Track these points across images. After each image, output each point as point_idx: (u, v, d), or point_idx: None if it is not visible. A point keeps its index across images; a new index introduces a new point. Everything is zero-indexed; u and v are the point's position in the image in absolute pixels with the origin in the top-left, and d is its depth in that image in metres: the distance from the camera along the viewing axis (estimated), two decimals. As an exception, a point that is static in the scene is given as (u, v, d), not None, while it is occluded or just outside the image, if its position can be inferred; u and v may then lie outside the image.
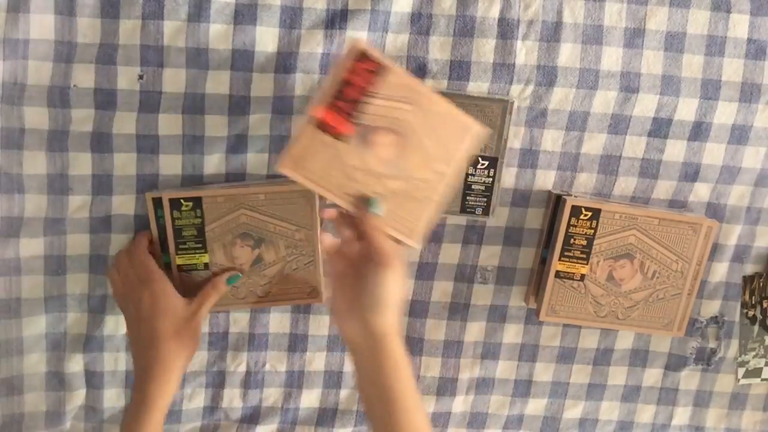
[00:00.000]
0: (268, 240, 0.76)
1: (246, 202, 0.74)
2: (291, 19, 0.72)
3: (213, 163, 0.75)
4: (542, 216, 0.80)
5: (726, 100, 0.77)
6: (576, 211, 0.76)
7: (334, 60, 0.66)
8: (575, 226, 0.76)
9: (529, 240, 0.81)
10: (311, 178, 0.65)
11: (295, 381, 0.83)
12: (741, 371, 0.87)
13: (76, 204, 0.74)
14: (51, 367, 0.79)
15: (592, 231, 0.76)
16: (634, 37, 0.75)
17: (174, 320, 0.71)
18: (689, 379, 0.87)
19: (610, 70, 0.75)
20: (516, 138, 0.77)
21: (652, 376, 0.87)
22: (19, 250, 0.74)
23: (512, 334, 0.84)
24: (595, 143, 0.78)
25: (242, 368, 0.82)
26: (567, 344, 0.85)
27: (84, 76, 0.71)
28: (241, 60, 0.72)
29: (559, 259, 0.77)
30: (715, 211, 0.81)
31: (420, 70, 0.74)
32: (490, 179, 0.77)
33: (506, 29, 0.74)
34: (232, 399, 0.83)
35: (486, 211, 0.78)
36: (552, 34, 0.74)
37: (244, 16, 0.71)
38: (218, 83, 0.73)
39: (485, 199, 0.78)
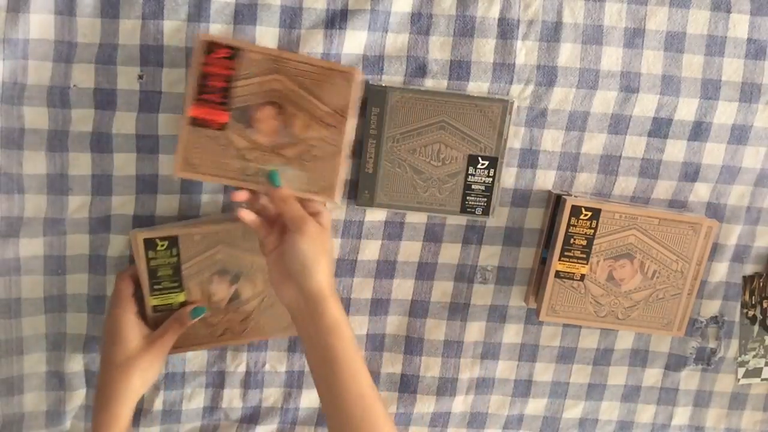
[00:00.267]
0: (245, 275, 0.75)
1: (223, 238, 0.73)
2: (291, 19, 0.72)
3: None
4: (542, 216, 0.80)
5: (726, 100, 0.77)
6: (576, 211, 0.76)
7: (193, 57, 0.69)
8: (575, 226, 0.76)
9: (529, 240, 0.81)
10: (208, 173, 0.69)
11: (295, 381, 0.83)
12: (741, 371, 0.87)
13: (76, 204, 0.74)
14: (51, 367, 0.79)
15: (592, 231, 0.76)
16: (634, 37, 0.75)
17: (125, 349, 0.69)
18: (689, 379, 0.87)
19: (610, 70, 0.75)
20: (516, 138, 0.77)
21: (652, 376, 0.87)
22: (19, 250, 0.74)
23: (512, 334, 0.84)
24: (595, 143, 0.78)
25: (242, 368, 0.82)
26: (567, 344, 0.85)
27: (84, 76, 0.71)
28: (241, 60, 0.72)
29: (559, 259, 0.77)
30: (715, 211, 0.81)
31: (420, 70, 0.74)
32: (490, 179, 0.77)
33: (506, 29, 0.74)
34: (232, 399, 0.83)
35: (486, 211, 0.78)
36: (552, 34, 0.74)
37: (244, 16, 0.71)
38: (218, 83, 0.73)
39: (485, 199, 0.78)
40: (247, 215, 0.69)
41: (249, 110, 0.69)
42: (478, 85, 0.75)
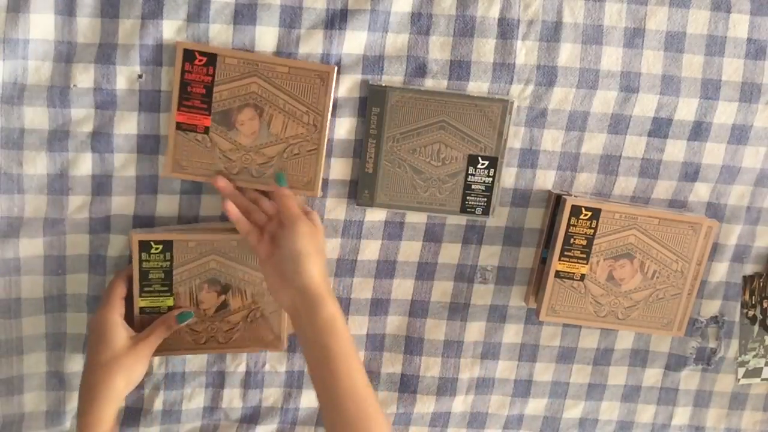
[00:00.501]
0: (235, 287, 0.76)
1: (218, 248, 0.74)
2: (291, 18, 0.72)
3: (213, 163, 0.76)
4: (542, 216, 0.80)
5: (726, 100, 0.77)
6: (576, 210, 0.76)
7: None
8: (575, 226, 0.76)
9: (529, 240, 0.81)
10: (195, 173, 0.74)
11: (294, 381, 0.83)
12: (741, 371, 0.87)
13: (76, 204, 0.74)
14: (51, 367, 0.79)
15: (592, 231, 0.76)
16: (634, 37, 0.75)
17: (110, 349, 0.69)
18: (689, 379, 0.87)
19: (610, 70, 0.75)
20: (516, 138, 0.77)
21: (652, 376, 0.87)
22: (19, 250, 0.74)
23: (512, 334, 0.84)
24: (595, 143, 0.78)
25: (242, 368, 0.82)
26: (567, 344, 0.85)
27: (84, 76, 0.71)
28: (241, 60, 0.72)
29: (559, 259, 0.77)
30: (715, 211, 0.81)
31: (420, 70, 0.74)
32: (490, 179, 0.77)
33: (506, 29, 0.74)
34: (232, 399, 0.83)
35: (486, 211, 0.78)
36: (552, 34, 0.74)
37: (244, 15, 0.71)
38: (218, 83, 0.73)
39: (485, 199, 0.78)
40: (233, 210, 0.71)
41: (230, 113, 0.73)
42: (478, 85, 0.75)
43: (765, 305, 0.85)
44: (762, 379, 0.88)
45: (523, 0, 0.73)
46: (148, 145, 0.74)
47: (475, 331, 0.83)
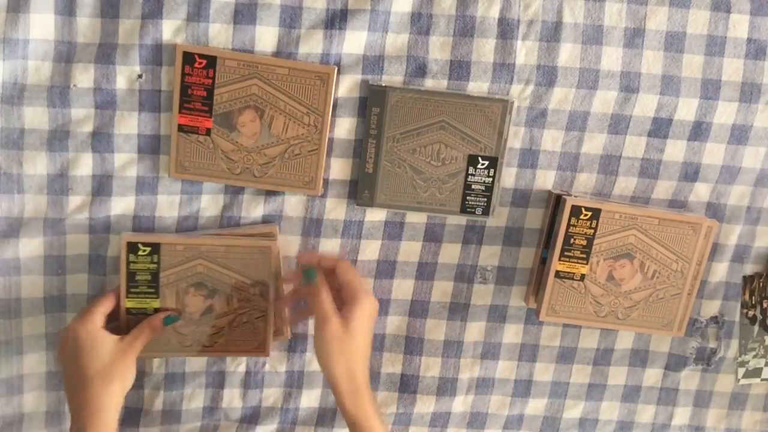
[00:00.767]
0: (221, 291, 0.76)
1: (205, 252, 0.74)
2: (291, 18, 0.72)
3: (213, 163, 0.76)
4: (542, 216, 0.80)
5: (726, 100, 0.77)
6: (576, 211, 0.76)
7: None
8: (575, 226, 0.76)
9: (529, 240, 0.81)
10: (199, 174, 0.74)
11: (295, 381, 0.83)
12: (741, 371, 0.87)
13: (76, 204, 0.74)
14: (51, 367, 0.79)
15: (592, 231, 0.76)
16: (634, 37, 0.75)
17: (100, 358, 0.68)
18: (689, 379, 0.87)
19: (610, 70, 0.75)
20: (516, 138, 0.77)
21: (652, 376, 0.87)
22: (19, 250, 0.74)
23: (512, 334, 0.84)
24: (595, 143, 0.78)
25: (242, 368, 0.82)
26: (567, 344, 0.85)
27: (84, 76, 0.71)
28: (241, 60, 0.72)
29: (559, 259, 0.77)
30: (715, 211, 0.81)
31: (420, 70, 0.74)
32: (490, 179, 0.77)
33: (506, 29, 0.74)
34: (232, 399, 0.83)
35: (486, 211, 0.78)
36: (552, 34, 0.74)
37: (244, 15, 0.71)
38: (218, 83, 0.73)
39: (485, 199, 0.78)
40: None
41: (231, 115, 0.73)
42: (478, 85, 0.75)
43: (765, 305, 0.85)
44: (762, 379, 0.88)
45: (523, 0, 0.73)
46: (148, 145, 0.74)
47: (475, 331, 0.83)
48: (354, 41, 0.73)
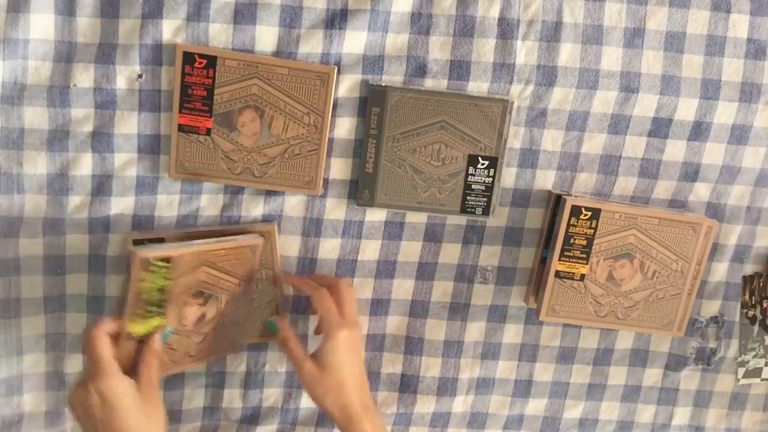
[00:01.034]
0: (214, 296, 0.73)
1: (209, 259, 0.71)
2: (291, 18, 0.72)
3: (213, 163, 0.76)
4: (542, 216, 0.80)
5: (726, 100, 0.77)
6: (576, 211, 0.76)
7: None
8: (575, 226, 0.76)
9: (529, 240, 0.81)
10: (200, 174, 0.74)
11: (295, 381, 0.83)
12: (741, 371, 0.87)
13: (76, 204, 0.74)
14: (51, 368, 0.79)
15: (592, 231, 0.76)
16: (634, 37, 0.75)
17: (134, 407, 0.64)
18: (689, 379, 0.87)
19: (610, 70, 0.75)
20: (516, 138, 0.77)
21: (652, 376, 0.87)
22: (19, 250, 0.74)
23: (512, 334, 0.84)
24: (595, 143, 0.78)
25: (242, 368, 0.82)
26: (567, 344, 0.85)
27: (84, 76, 0.71)
28: (241, 60, 0.72)
29: (559, 259, 0.77)
30: (715, 211, 0.81)
31: (420, 70, 0.74)
32: (490, 179, 0.77)
33: (506, 29, 0.74)
34: (232, 399, 0.83)
35: (486, 211, 0.78)
36: (552, 34, 0.74)
37: (244, 15, 0.71)
38: (218, 83, 0.73)
39: (485, 199, 0.78)
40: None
41: (231, 115, 0.73)
42: (478, 85, 0.75)
43: (765, 305, 0.85)
44: (762, 379, 0.88)
45: (523, 0, 0.73)
46: (148, 145, 0.74)
47: (475, 331, 0.83)
48: (354, 41, 0.73)
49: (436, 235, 0.80)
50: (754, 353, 0.87)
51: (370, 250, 0.80)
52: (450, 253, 0.81)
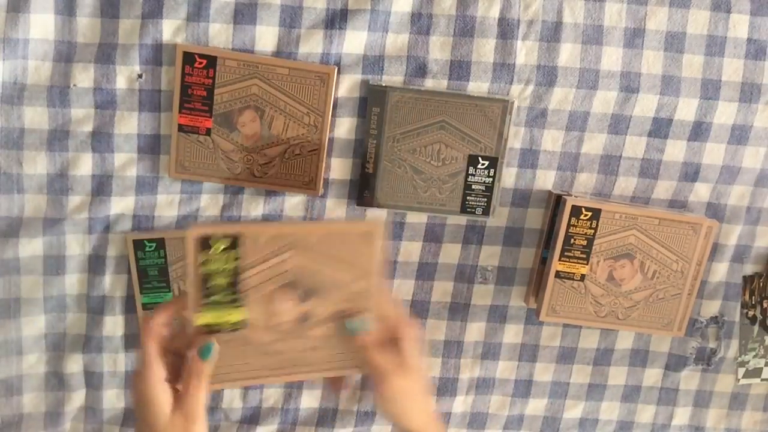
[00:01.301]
0: (319, 292, 0.57)
1: (296, 242, 0.55)
2: (291, 18, 0.72)
3: (213, 163, 0.76)
4: (542, 216, 0.80)
5: (726, 100, 0.77)
6: (576, 211, 0.76)
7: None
8: (575, 226, 0.76)
9: (529, 240, 0.81)
10: (200, 174, 0.74)
11: (295, 381, 0.83)
12: (741, 371, 0.87)
13: (76, 204, 0.74)
14: (50, 368, 0.79)
15: (592, 231, 0.76)
16: (634, 37, 0.75)
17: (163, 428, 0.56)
18: (689, 379, 0.87)
19: (610, 70, 0.75)
20: (516, 138, 0.77)
21: (652, 376, 0.87)
22: (18, 250, 0.74)
23: (512, 334, 0.84)
24: (595, 143, 0.78)
25: (242, 368, 0.82)
26: (567, 344, 0.85)
27: (84, 76, 0.71)
28: (241, 60, 0.72)
29: (559, 259, 0.77)
30: (715, 211, 0.81)
31: (420, 70, 0.74)
32: (490, 179, 0.77)
33: (506, 29, 0.74)
34: (232, 399, 0.83)
35: (486, 211, 0.78)
36: (552, 34, 0.74)
37: (244, 15, 0.71)
38: (218, 83, 0.73)
39: (485, 199, 0.78)
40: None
41: (231, 115, 0.73)
42: (478, 85, 0.75)
43: (765, 305, 0.85)
44: (762, 379, 0.88)
45: (523, 0, 0.73)
46: (148, 145, 0.74)
47: (475, 331, 0.83)
48: (354, 41, 0.73)
49: (436, 235, 0.80)
50: (754, 353, 0.87)
51: (370, 250, 0.80)
52: (450, 253, 0.81)
